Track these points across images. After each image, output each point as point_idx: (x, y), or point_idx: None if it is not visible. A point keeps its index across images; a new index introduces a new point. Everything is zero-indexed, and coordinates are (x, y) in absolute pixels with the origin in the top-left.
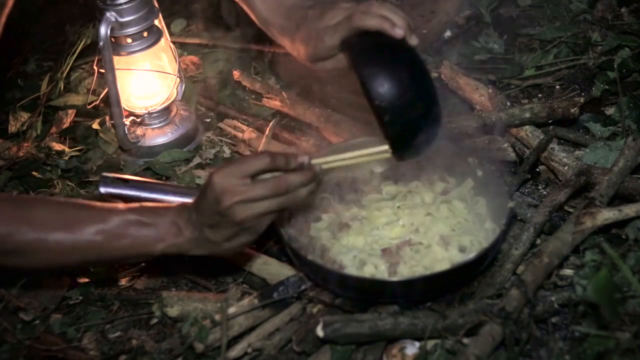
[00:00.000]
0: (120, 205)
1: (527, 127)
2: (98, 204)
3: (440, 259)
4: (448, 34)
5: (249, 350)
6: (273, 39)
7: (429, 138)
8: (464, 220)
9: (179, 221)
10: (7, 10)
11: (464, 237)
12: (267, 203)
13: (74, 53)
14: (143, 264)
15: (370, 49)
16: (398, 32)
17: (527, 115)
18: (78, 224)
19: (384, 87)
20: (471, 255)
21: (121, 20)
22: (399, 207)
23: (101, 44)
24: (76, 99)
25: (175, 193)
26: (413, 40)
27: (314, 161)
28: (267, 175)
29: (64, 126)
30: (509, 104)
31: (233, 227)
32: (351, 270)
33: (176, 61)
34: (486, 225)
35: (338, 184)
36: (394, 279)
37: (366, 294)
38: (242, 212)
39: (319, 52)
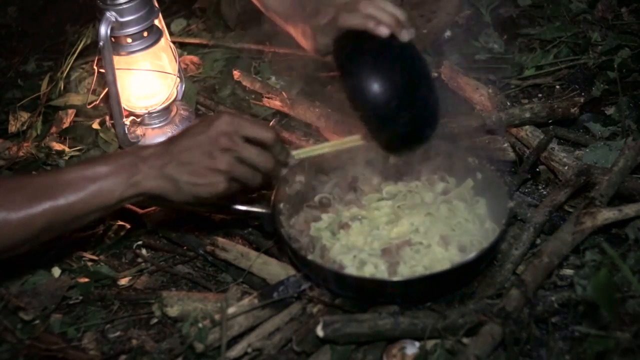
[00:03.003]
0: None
1: (527, 127)
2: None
3: (441, 259)
4: (448, 34)
5: (249, 350)
6: (282, 27)
7: (420, 139)
8: (464, 220)
9: (135, 158)
10: None
11: (464, 237)
12: (250, 171)
13: (74, 53)
14: (143, 264)
15: (352, 56)
16: (382, 31)
17: (527, 115)
18: (28, 199)
19: (364, 99)
20: (471, 255)
21: (121, 20)
22: (399, 206)
23: (101, 43)
24: (76, 99)
25: None
26: (404, 36)
27: (294, 152)
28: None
29: (64, 126)
30: (509, 104)
31: (206, 172)
32: (351, 270)
33: (176, 61)
34: (486, 225)
35: (338, 184)
36: (394, 279)
37: (366, 294)
38: (228, 162)
39: (319, 49)
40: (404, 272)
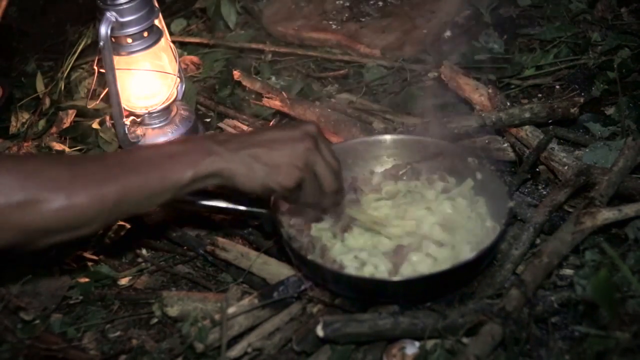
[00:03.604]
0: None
1: (527, 127)
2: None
3: (441, 257)
4: (448, 34)
5: (249, 350)
6: None
7: None
8: (466, 218)
9: (210, 141)
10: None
11: (466, 236)
12: (316, 186)
13: (74, 53)
14: (143, 264)
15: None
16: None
17: (527, 115)
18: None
19: None
20: (471, 255)
21: (121, 20)
22: (398, 205)
23: (101, 44)
24: (76, 99)
25: None
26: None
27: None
28: None
29: (64, 126)
30: (509, 104)
31: (284, 163)
32: (351, 270)
33: (176, 61)
34: (487, 223)
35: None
36: (394, 279)
37: (366, 294)
38: (307, 161)
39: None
40: (405, 272)
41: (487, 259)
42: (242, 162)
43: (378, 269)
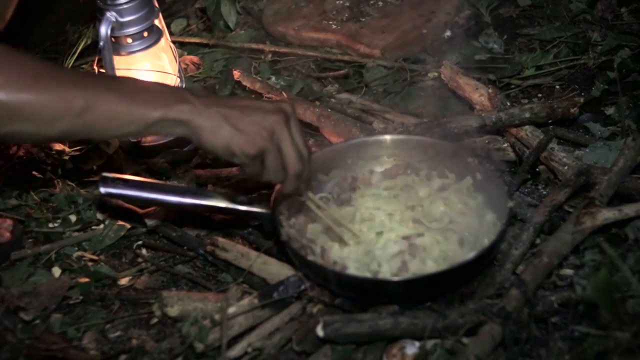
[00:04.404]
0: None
1: (527, 127)
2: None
3: (441, 255)
4: (448, 34)
5: (249, 350)
6: None
7: None
8: (460, 214)
9: (188, 94)
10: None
11: (462, 232)
12: (279, 163)
13: (74, 53)
14: (143, 264)
15: None
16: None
17: (527, 115)
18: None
19: None
20: (471, 254)
21: (121, 20)
22: (394, 196)
23: (101, 44)
24: None
25: (175, 193)
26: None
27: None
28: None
29: None
30: (509, 104)
31: (251, 127)
32: (352, 270)
33: (176, 61)
34: (487, 217)
35: (338, 184)
36: (395, 279)
37: (366, 294)
38: (273, 130)
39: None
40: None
41: (487, 259)
42: (211, 118)
43: (381, 268)
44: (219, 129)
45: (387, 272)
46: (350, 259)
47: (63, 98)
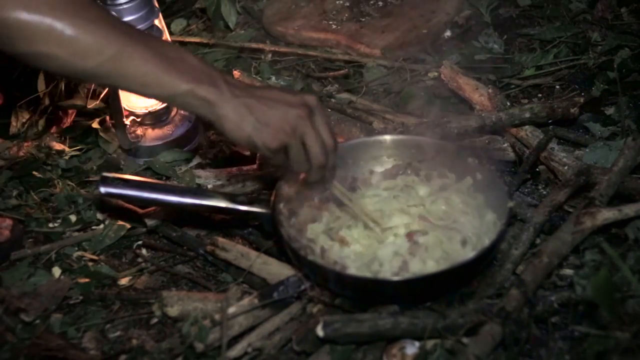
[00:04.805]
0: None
1: (527, 127)
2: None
3: (442, 255)
4: (448, 34)
5: (249, 350)
6: None
7: None
8: (461, 213)
9: (221, 79)
10: None
11: (463, 231)
12: (303, 155)
13: None
14: (143, 264)
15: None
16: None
17: (527, 115)
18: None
19: None
20: (471, 252)
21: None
22: (394, 196)
23: None
24: (76, 99)
25: (175, 193)
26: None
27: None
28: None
29: (64, 126)
30: (509, 104)
31: (274, 122)
32: (353, 270)
33: None
34: (487, 217)
35: (338, 183)
36: (395, 278)
37: (366, 293)
38: (296, 127)
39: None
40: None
41: (487, 258)
42: (236, 109)
43: (382, 267)
44: (243, 122)
45: (387, 271)
46: (350, 258)
47: (102, 36)
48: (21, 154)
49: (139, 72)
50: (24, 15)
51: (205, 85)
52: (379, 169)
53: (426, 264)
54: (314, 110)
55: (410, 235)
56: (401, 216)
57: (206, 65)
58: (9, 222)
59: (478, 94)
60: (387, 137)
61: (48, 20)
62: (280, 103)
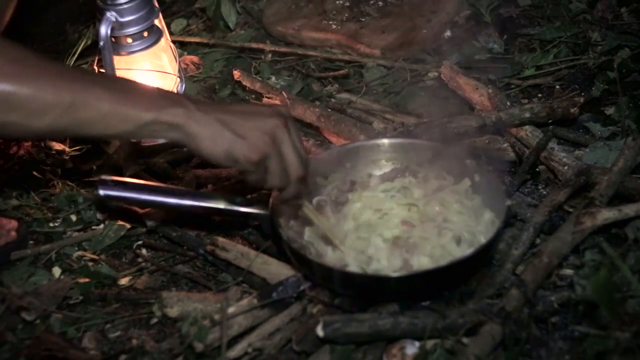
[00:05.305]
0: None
1: (527, 127)
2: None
3: (437, 253)
4: (448, 34)
5: (249, 350)
6: None
7: None
8: (457, 213)
9: (184, 99)
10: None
11: (459, 230)
12: (280, 167)
13: (74, 53)
14: (143, 264)
15: None
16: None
17: (527, 115)
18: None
19: None
20: (468, 250)
21: (121, 20)
22: (390, 197)
23: (101, 43)
24: None
25: (174, 195)
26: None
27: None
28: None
29: None
30: (509, 104)
31: (252, 131)
32: (353, 268)
33: (176, 61)
34: (485, 216)
35: (337, 187)
36: (393, 274)
37: (365, 291)
38: (274, 131)
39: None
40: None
41: (484, 255)
42: (209, 125)
43: (381, 264)
44: (219, 137)
45: (382, 269)
46: (344, 261)
47: (53, 89)
48: (21, 153)
49: (98, 114)
50: None
51: (169, 109)
52: (377, 172)
53: (420, 262)
54: (288, 120)
55: (397, 238)
56: (387, 221)
57: (166, 90)
58: (14, 223)
59: (478, 94)
60: (386, 141)
61: (3, 85)
62: (254, 115)
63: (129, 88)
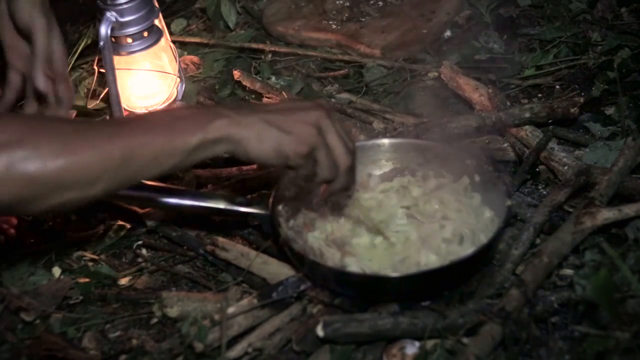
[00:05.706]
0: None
1: (527, 127)
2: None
3: (440, 252)
4: (448, 34)
5: (249, 350)
6: None
7: None
8: (458, 212)
9: (223, 109)
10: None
11: (459, 228)
12: (329, 157)
13: (74, 53)
14: (143, 264)
15: None
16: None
17: (527, 115)
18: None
19: None
20: (470, 247)
21: (121, 20)
22: (391, 196)
23: (101, 43)
24: (76, 99)
25: (174, 194)
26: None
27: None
28: None
29: None
30: (509, 104)
31: (297, 123)
32: (354, 268)
33: (176, 61)
34: (485, 215)
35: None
36: (394, 274)
37: (365, 291)
38: (319, 120)
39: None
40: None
41: (485, 255)
42: (253, 126)
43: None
44: (265, 136)
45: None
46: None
47: (99, 154)
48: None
49: (149, 158)
50: (33, 168)
51: (212, 125)
52: (377, 172)
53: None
54: (329, 111)
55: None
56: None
57: (202, 108)
58: (14, 220)
59: (478, 94)
60: (386, 141)
61: (40, 175)
62: (295, 109)
63: (168, 120)
